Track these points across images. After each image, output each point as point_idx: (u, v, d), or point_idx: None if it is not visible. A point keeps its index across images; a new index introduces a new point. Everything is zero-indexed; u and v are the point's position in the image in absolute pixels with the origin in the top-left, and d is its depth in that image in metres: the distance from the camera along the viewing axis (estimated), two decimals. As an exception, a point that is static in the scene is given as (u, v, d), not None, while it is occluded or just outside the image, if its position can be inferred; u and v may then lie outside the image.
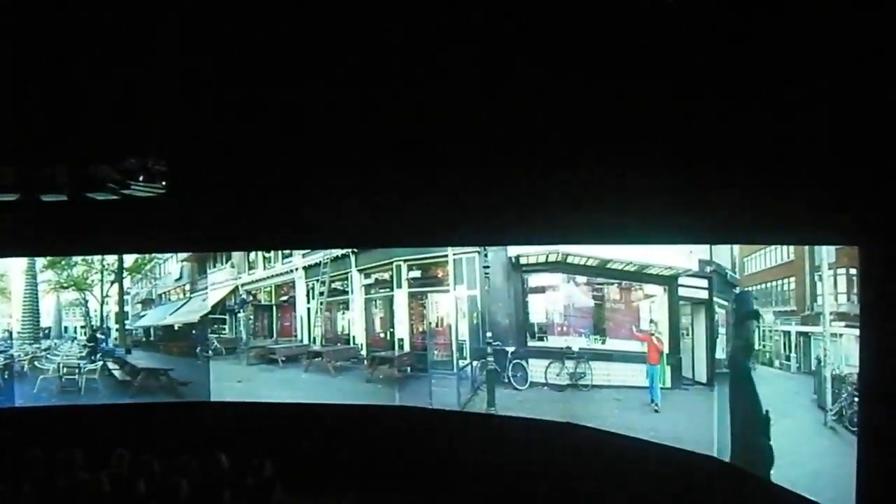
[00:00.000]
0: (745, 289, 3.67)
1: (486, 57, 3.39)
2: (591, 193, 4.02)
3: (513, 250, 4.81)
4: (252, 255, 5.62)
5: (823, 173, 3.09)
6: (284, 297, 5.65)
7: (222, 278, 5.65)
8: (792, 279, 3.70)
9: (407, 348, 5.22)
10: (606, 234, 4.25)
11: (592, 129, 3.73)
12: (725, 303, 4.02)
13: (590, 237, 4.34)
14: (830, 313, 3.30)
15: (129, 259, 5.66)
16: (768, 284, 3.84)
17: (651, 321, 4.29)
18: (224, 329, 5.61)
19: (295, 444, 4.77)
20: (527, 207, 4.31)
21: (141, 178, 4.28)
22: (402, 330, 5.23)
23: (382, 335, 5.34)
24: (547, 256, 4.68)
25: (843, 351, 3.26)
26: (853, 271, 3.23)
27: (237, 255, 5.60)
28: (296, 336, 5.58)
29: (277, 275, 5.67)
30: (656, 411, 4.12)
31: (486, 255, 4.84)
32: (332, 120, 3.99)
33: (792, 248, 3.59)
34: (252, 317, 5.65)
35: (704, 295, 4.12)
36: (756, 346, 3.85)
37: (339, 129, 4.10)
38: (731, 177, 3.51)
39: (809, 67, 2.89)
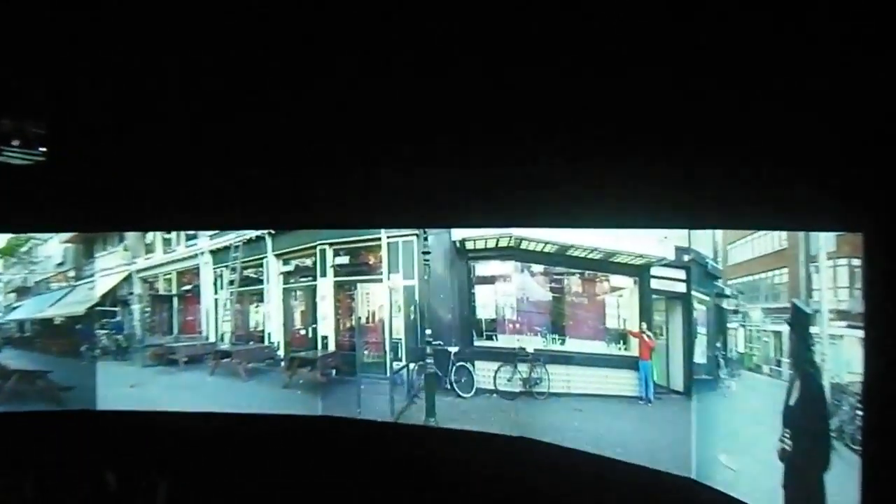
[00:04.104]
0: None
1: (429, 25, 3.23)
2: (550, 167, 3.78)
3: (457, 233, 4.52)
4: (149, 236, 5.27)
5: (823, 149, 2.89)
6: (187, 287, 5.29)
7: (113, 263, 5.27)
8: (784, 271, 3.40)
9: (332, 348, 4.90)
10: (568, 215, 3.92)
11: (552, 91, 3.51)
12: (706, 297, 3.76)
13: (548, 218, 4.04)
14: (829, 311, 3.06)
15: (0, 239, 5.23)
16: (755, 277, 3.57)
17: (624, 320, 4.07)
18: (115, 323, 5.24)
19: (196, 462, 4.60)
20: (473, 182, 4.04)
21: (15, 143, 3.90)
22: (326, 326, 4.91)
23: (303, 332, 5.02)
24: (497, 241, 4.36)
25: (843, 355, 3.01)
26: (856, 262, 2.99)
27: (131, 237, 5.24)
28: (200, 332, 5.20)
29: (179, 259, 5.30)
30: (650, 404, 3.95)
31: (425, 239, 4.54)
32: (239, 78, 3.74)
33: (785, 234, 3.33)
34: (149, 309, 5.29)
35: (681, 288, 3.83)
36: (741, 350, 3.62)
37: (250, 88, 3.84)
38: (716, 151, 3.31)
39: (805, 37, 2.76)
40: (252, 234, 5.08)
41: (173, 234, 5.24)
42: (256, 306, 5.19)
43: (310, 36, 3.42)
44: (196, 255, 5.27)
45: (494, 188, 3.98)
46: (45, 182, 4.38)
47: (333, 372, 4.87)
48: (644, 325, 4.07)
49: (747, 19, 2.93)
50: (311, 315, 5.02)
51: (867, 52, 2.65)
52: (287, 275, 5.09)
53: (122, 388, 5.07)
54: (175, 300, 5.33)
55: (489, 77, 3.50)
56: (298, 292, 5.12)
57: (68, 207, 4.79)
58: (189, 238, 5.24)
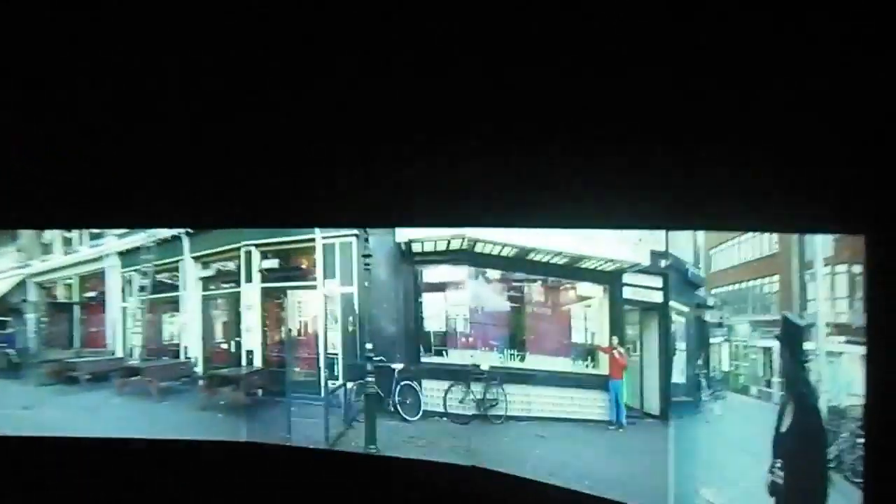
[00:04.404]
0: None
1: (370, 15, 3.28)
2: (510, 158, 3.52)
3: (402, 234, 4.24)
4: (47, 235, 4.91)
5: (820, 144, 2.78)
6: (91, 294, 4.95)
7: (4, 266, 4.86)
8: (774, 279, 3.28)
9: (258, 364, 4.57)
10: (529, 214, 3.63)
11: (510, 76, 3.36)
12: (685, 308, 3.60)
13: (507, 217, 3.72)
14: (826, 325, 2.93)
15: None
16: (742, 285, 3.42)
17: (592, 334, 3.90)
18: (5, 336, 4.87)
19: (99, 495, 4.26)
20: (421, 176, 3.73)
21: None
22: (251, 339, 4.60)
23: (225, 346, 4.71)
24: (448, 243, 4.08)
25: (842, 375, 2.88)
26: (857, 269, 2.86)
27: (25, 235, 4.85)
28: (106, 346, 4.86)
29: (82, 262, 4.95)
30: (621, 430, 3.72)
31: (366, 240, 4.27)
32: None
33: (775, 236, 3.20)
34: (46, 319, 4.93)
35: (658, 298, 3.66)
36: (726, 368, 3.45)
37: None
38: (701, 142, 3.13)
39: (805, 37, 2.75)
40: (167, 233, 4.72)
41: (75, 233, 4.86)
42: (171, 316, 4.86)
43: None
44: (101, 258, 4.90)
45: (447, 182, 3.69)
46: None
47: (259, 392, 4.55)
48: (615, 340, 3.83)
49: (747, 19, 2.88)
50: (234, 326, 4.70)
51: (868, 53, 2.62)
52: (207, 280, 4.78)
53: (14, 409, 4.67)
54: (76, 309, 4.97)
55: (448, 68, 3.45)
56: (220, 300, 4.80)
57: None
58: (93, 237, 4.89)
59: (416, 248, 4.24)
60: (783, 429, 3.10)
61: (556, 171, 3.47)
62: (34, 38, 3.68)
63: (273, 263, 4.59)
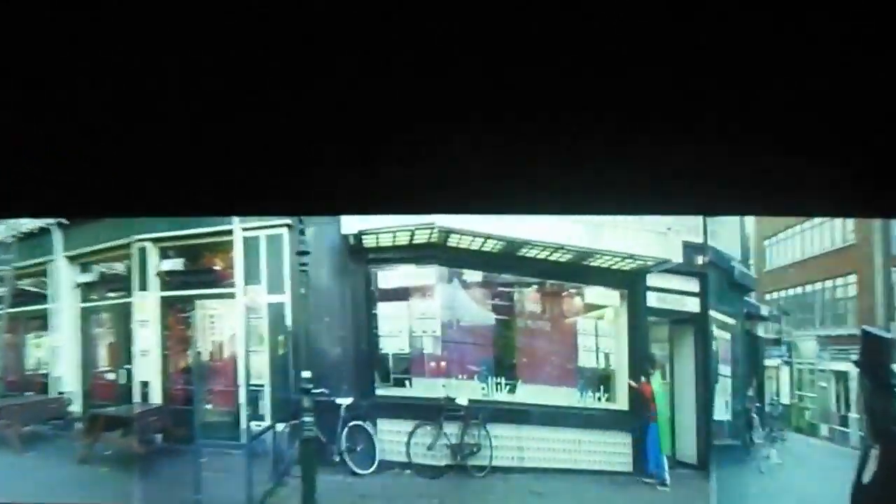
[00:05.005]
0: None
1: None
2: (493, 124, 2.59)
3: (350, 223, 3.60)
4: None
5: None
6: None
7: None
8: (851, 279, 2.89)
9: (157, 400, 3.95)
10: (520, 195, 2.57)
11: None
12: (730, 321, 3.22)
13: (490, 200, 2.65)
14: None
15: None
16: (808, 288, 3.05)
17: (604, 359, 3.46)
18: None
19: None
20: (376, 144, 2.68)
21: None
22: (147, 367, 3.93)
23: (112, 376, 4.07)
24: (412, 235, 3.56)
25: None
26: None
27: None
28: None
29: None
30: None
31: (301, 232, 3.61)
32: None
33: (851, 223, 2.78)
34: None
35: (694, 306, 3.19)
36: (786, 400, 3.18)
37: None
38: (744, 99, 2.29)
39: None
40: (33, 223, 3.96)
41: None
42: (38, 337, 4.19)
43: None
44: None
45: (411, 152, 2.84)
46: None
47: (159, 437, 3.91)
48: (653, 372, 3.31)
49: None
50: (123, 349, 4.04)
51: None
52: (86, 287, 4.09)
53: None
54: None
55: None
56: (104, 314, 4.13)
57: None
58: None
59: (368, 242, 3.64)
60: (866, 479, 2.66)
61: (557, 135, 2.73)
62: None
63: (176, 264, 3.96)
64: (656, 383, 3.28)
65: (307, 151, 2.44)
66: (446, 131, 2.58)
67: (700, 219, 3.08)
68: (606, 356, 3.34)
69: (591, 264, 3.30)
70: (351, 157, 2.56)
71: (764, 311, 3.20)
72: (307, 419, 3.69)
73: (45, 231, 3.92)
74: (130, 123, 2.83)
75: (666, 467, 3.21)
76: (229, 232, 3.72)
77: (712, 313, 3.14)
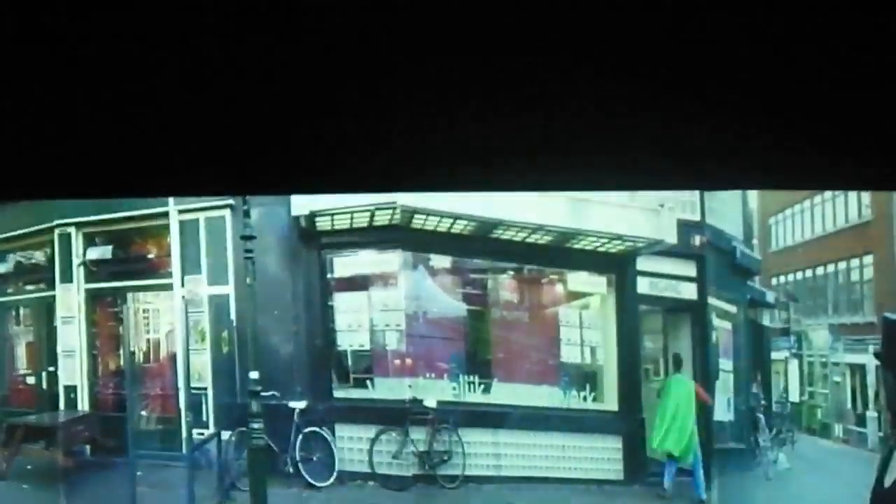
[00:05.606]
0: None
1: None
2: (465, 89, 2.40)
3: (301, 204, 3.43)
4: None
5: None
6: None
7: None
8: (868, 259, 2.79)
9: (84, 407, 3.72)
10: (496, 169, 2.27)
11: None
12: (732, 308, 3.09)
13: (461, 176, 2.33)
14: None
15: None
16: (818, 270, 2.94)
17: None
18: None
19: None
20: (333, 114, 2.49)
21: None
22: (73, 369, 3.71)
23: (32, 380, 3.89)
24: (372, 215, 3.38)
25: None
26: None
27: None
28: None
29: None
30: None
31: (246, 214, 3.41)
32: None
33: (867, 197, 2.75)
34: None
35: (691, 292, 3.05)
36: (795, 398, 2.99)
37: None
38: (742, 61, 2.04)
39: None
40: None
41: None
42: None
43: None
44: None
45: (372, 124, 2.67)
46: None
47: (87, 449, 3.69)
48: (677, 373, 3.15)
49: None
50: (45, 350, 3.85)
51: None
52: (1, 279, 3.92)
53: None
54: None
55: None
56: (22, 310, 3.97)
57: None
58: None
59: (322, 224, 3.48)
60: (888, 483, 2.51)
61: (536, 102, 2.48)
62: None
63: (104, 252, 3.73)
64: (679, 384, 3.09)
65: (250, 120, 2.12)
66: (408, 98, 2.29)
67: (696, 194, 2.99)
68: (593, 350, 3.23)
69: (575, 247, 3.18)
70: (302, 127, 2.24)
71: (769, 297, 3.14)
72: (256, 425, 3.57)
73: (-49, 212, 3.91)
74: (59, 95, 2.55)
75: (702, 481, 3.00)
76: (164, 215, 3.56)
77: (711, 300, 3.03)
